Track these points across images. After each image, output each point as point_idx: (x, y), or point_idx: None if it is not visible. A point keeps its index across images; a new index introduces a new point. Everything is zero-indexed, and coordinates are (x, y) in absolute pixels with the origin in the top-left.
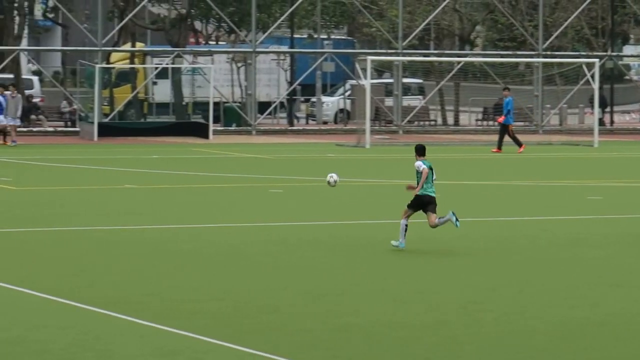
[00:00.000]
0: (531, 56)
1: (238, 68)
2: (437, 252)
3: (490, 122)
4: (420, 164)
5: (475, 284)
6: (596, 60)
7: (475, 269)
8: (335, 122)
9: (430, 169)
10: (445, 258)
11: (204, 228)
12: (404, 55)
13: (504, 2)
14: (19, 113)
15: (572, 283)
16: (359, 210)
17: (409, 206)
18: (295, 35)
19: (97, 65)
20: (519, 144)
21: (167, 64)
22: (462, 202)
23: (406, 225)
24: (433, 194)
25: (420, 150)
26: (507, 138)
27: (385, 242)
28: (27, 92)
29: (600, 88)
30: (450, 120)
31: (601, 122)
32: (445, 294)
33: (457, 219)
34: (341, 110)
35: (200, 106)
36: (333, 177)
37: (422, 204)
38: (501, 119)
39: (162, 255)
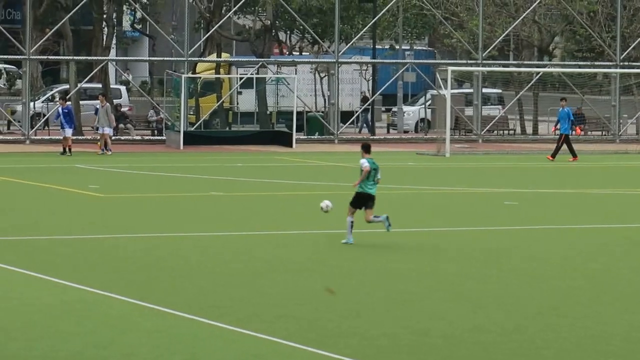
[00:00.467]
0: (609, 67)
1: (321, 78)
2: (515, 258)
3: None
4: (364, 162)
5: (552, 289)
6: None
7: (552, 275)
8: (416, 131)
9: (375, 169)
10: (523, 264)
11: (288, 235)
12: (484, 65)
13: (583, 14)
14: (111, 122)
15: None
16: (439, 218)
17: (350, 204)
18: (377, 46)
19: (184, 75)
20: (554, 155)
21: (251, 74)
22: (540, 210)
23: (352, 222)
24: (372, 192)
25: (366, 148)
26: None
27: (466, 248)
28: (115, 101)
29: None
30: (529, 129)
31: None
32: (523, 300)
33: (389, 224)
34: (422, 120)
35: (284, 115)
36: (328, 205)
37: (362, 200)
38: (578, 130)
39: (246, 260)
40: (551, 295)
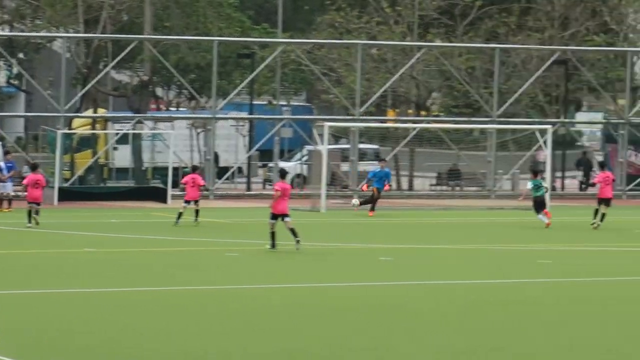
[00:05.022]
0: (485, 122)
1: (197, 134)
2: (396, 313)
3: (444, 187)
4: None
5: (431, 346)
6: (549, 126)
7: (430, 330)
8: (292, 187)
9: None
10: (403, 320)
11: (162, 291)
12: (361, 121)
13: (461, 69)
14: None
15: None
16: (314, 274)
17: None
18: (255, 102)
19: (59, 131)
20: (373, 209)
21: (127, 130)
22: (415, 265)
23: None
24: None
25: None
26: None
27: (344, 304)
28: None
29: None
30: (405, 185)
31: (553, 188)
32: (404, 356)
33: None
34: (298, 175)
35: (160, 171)
36: None
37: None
38: (387, 186)
39: (126, 313)
40: (428, 350)
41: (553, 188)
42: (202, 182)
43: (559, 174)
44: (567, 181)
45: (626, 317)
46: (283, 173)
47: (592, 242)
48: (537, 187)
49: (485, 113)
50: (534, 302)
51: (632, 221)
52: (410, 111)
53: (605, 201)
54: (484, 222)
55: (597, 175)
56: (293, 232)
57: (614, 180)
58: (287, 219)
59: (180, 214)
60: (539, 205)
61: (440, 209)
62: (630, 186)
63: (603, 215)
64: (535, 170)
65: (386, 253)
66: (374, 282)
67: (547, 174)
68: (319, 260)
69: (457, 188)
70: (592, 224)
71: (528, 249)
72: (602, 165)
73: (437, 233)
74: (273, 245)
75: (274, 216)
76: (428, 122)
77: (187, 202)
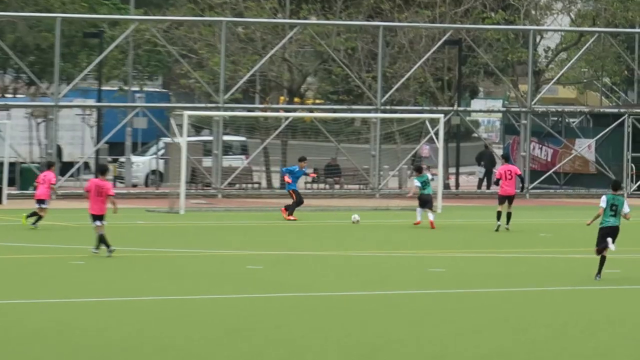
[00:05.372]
0: (368, 111)
1: (38, 124)
2: (260, 329)
3: (322, 185)
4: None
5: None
6: (441, 115)
7: (305, 346)
8: (146, 184)
9: None
10: (271, 334)
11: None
12: (226, 109)
13: (340, 51)
14: None
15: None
16: (174, 283)
17: None
18: (104, 88)
19: None
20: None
21: None
22: (287, 274)
23: None
24: None
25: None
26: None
27: (209, 318)
28: None
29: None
30: (277, 183)
31: (446, 185)
32: None
33: None
34: (153, 172)
35: None
36: None
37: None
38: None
39: None
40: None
41: (446, 186)
42: (53, 180)
43: (452, 169)
44: (462, 178)
45: (517, 332)
46: (102, 169)
47: (490, 247)
48: (425, 184)
49: (368, 100)
50: (421, 316)
51: (536, 223)
52: (282, 98)
53: (507, 198)
54: (368, 225)
55: (498, 169)
56: (102, 238)
57: (520, 176)
58: (98, 222)
59: (34, 213)
60: (424, 203)
61: (317, 209)
62: (534, 184)
63: (509, 215)
64: (419, 167)
65: (254, 260)
66: (239, 295)
67: (440, 170)
68: (178, 269)
69: (337, 186)
70: (496, 229)
71: (418, 256)
72: (506, 158)
73: (315, 237)
74: (108, 248)
75: (91, 216)
76: (302, 110)
77: (38, 201)
